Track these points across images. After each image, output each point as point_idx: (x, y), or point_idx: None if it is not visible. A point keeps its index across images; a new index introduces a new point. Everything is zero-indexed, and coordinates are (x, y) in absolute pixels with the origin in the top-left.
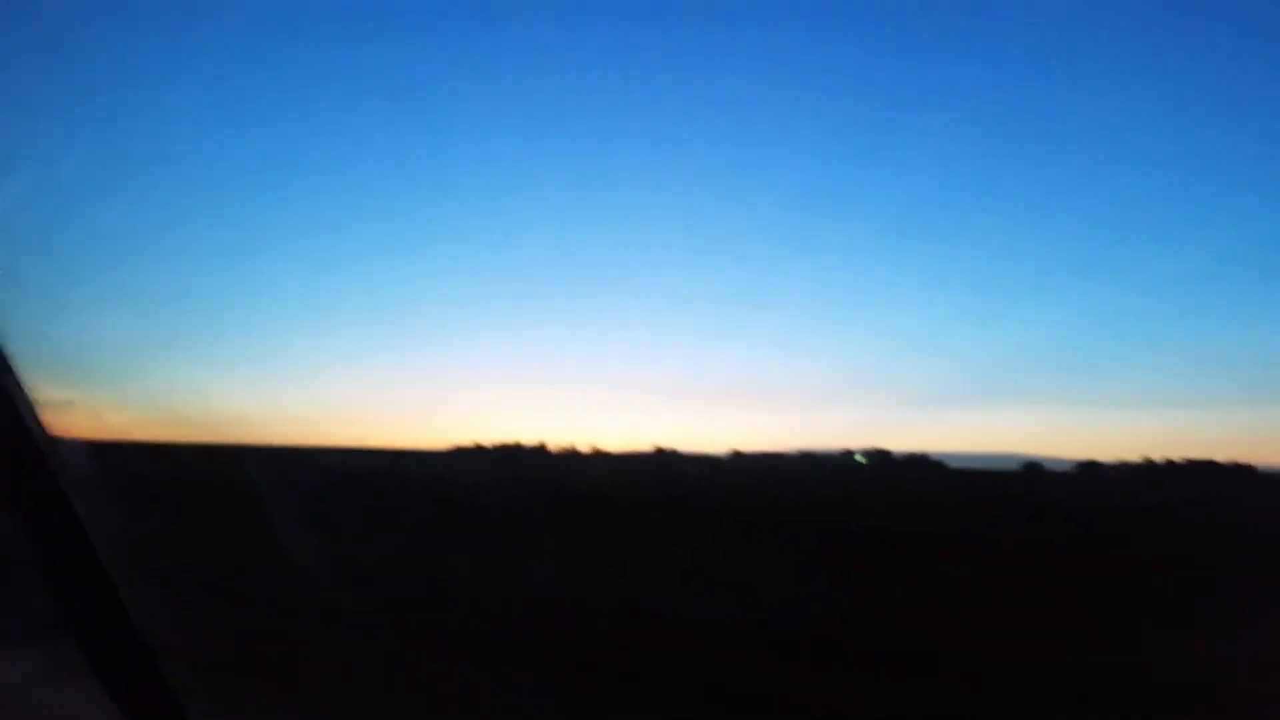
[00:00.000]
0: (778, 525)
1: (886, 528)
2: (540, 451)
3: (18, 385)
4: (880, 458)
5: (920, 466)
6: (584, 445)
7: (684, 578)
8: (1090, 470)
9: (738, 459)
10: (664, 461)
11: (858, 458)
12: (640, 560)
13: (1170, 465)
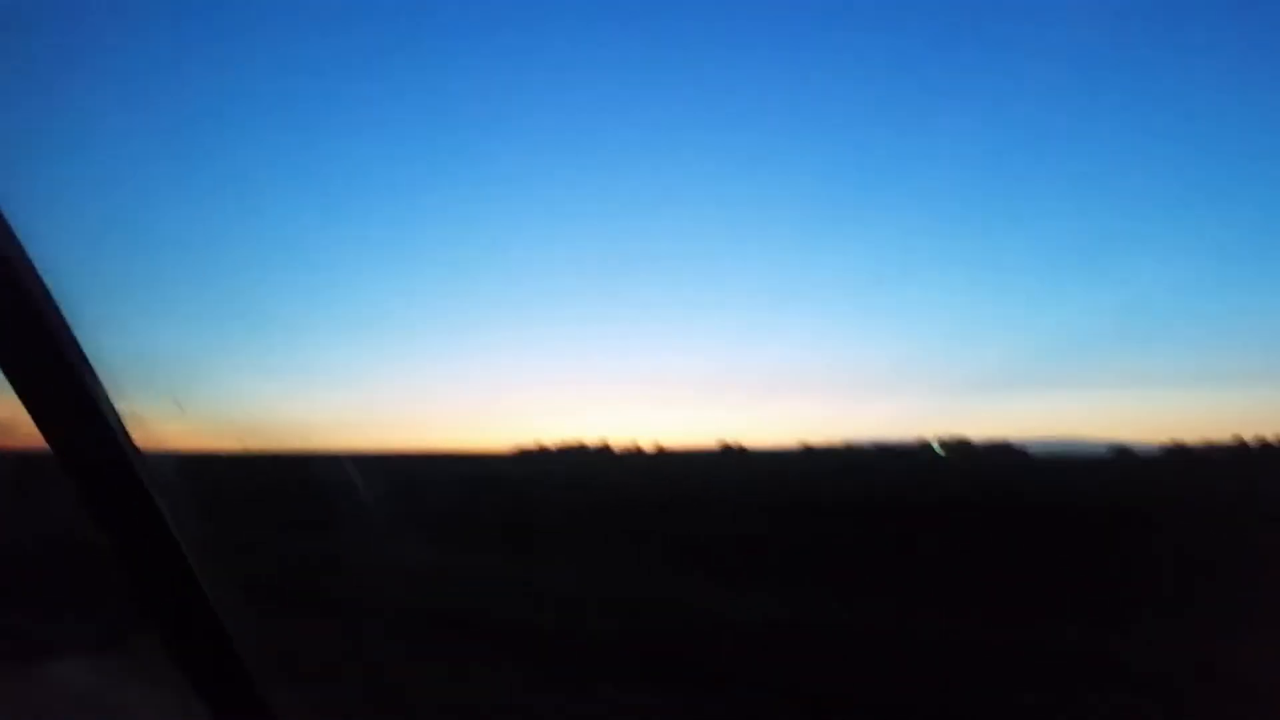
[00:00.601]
0: (887, 526)
1: (1014, 526)
2: (604, 452)
3: (106, 397)
4: (960, 448)
5: (1003, 454)
6: (647, 444)
7: (800, 589)
8: (1179, 454)
9: (809, 454)
10: (732, 458)
11: (936, 448)
12: (746, 569)
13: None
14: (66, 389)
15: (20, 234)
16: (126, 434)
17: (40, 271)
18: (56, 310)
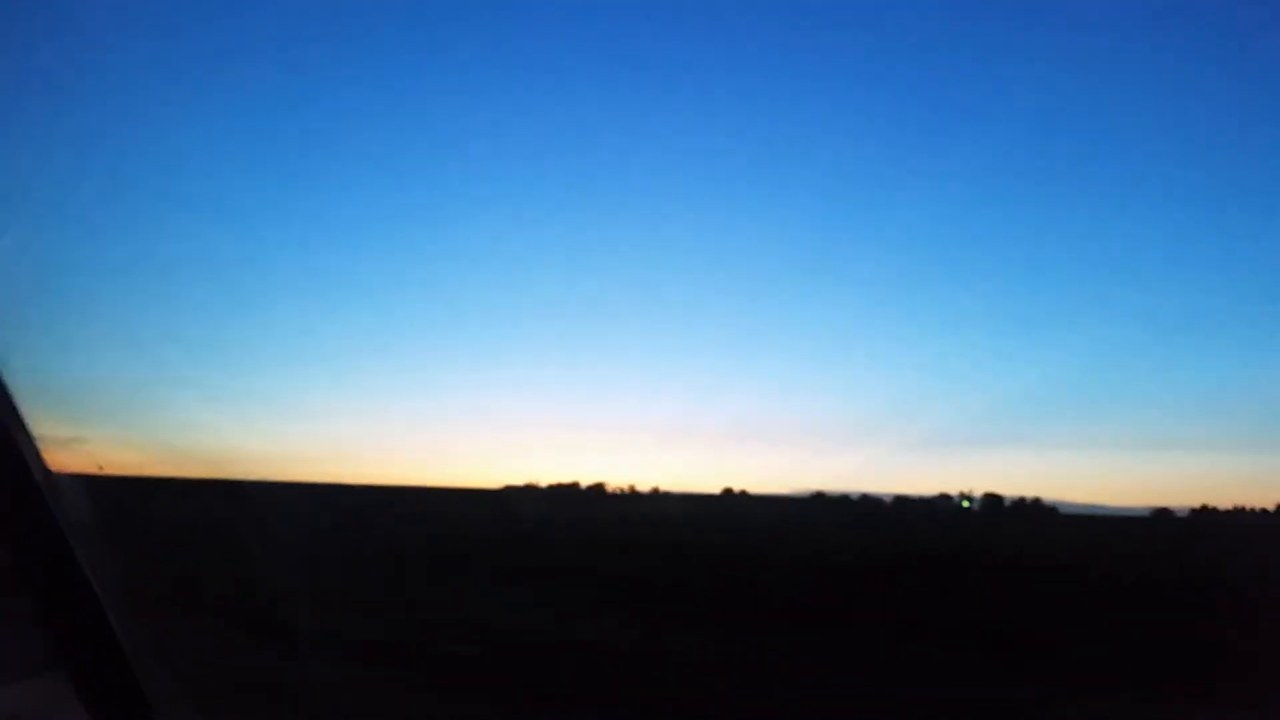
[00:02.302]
0: (918, 580)
1: (1056, 586)
2: (598, 491)
3: (19, 422)
4: (991, 502)
5: (1034, 512)
6: (643, 485)
7: (816, 653)
8: (1205, 516)
9: (820, 501)
10: (737, 503)
11: (964, 502)
12: (751, 620)
13: None
14: None
15: None
16: (39, 458)
17: None
18: None
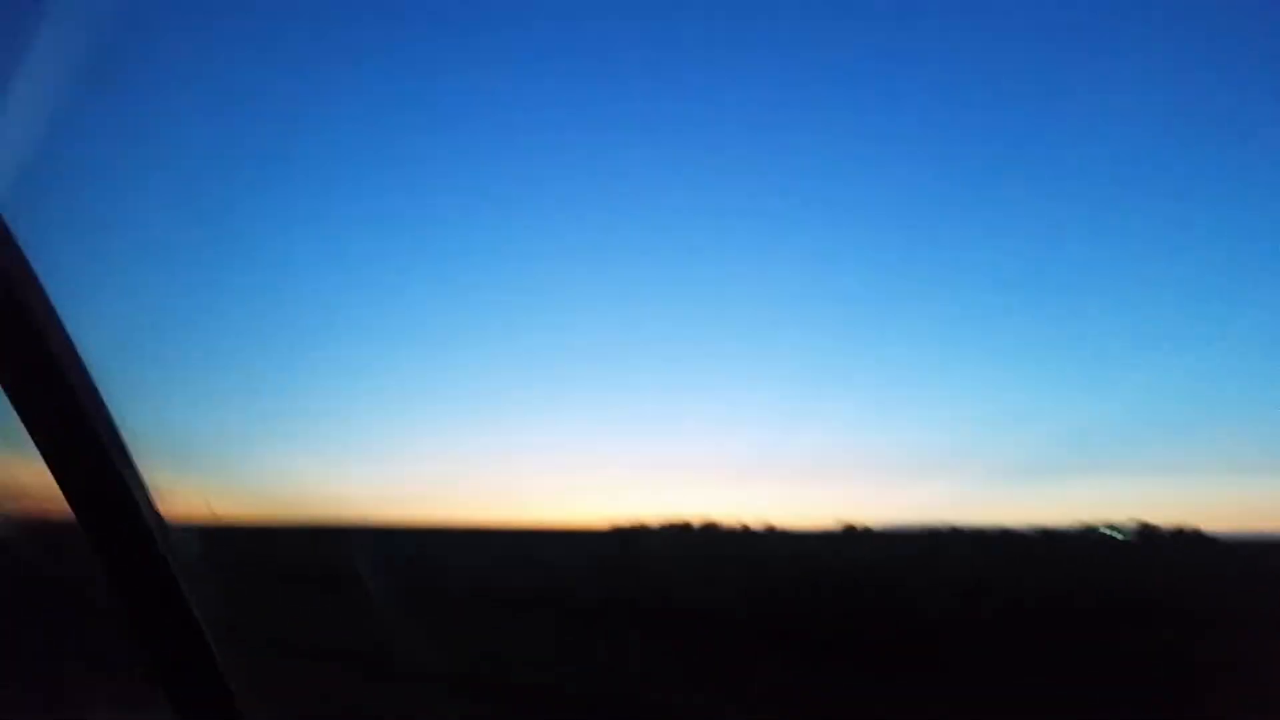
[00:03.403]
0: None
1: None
2: (712, 530)
3: (132, 469)
4: (1145, 533)
5: (1194, 545)
6: (754, 522)
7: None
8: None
9: (955, 536)
10: (859, 540)
11: (1114, 534)
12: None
13: None
14: (94, 460)
15: (52, 298)
16: (152, 505)
17: (75, 346)
18: (89, 383)
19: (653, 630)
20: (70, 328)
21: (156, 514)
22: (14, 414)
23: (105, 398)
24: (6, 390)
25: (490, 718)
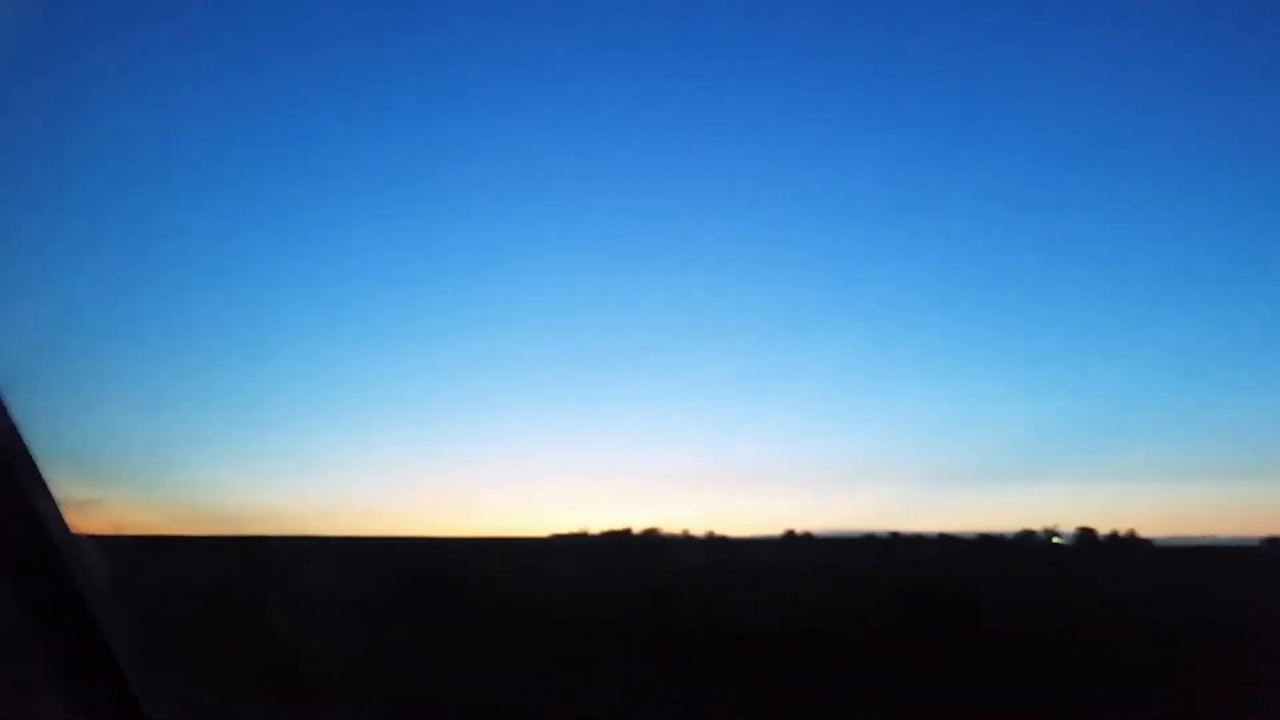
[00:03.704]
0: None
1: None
2: (653, 537)
3: (38, 485)
4: (1086, 538)
5: (1134, 547)
6: (697, 529)
7: None
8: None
9: (897, 542)
10: (801, 545)
11: (1055, 539)
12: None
13: None
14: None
15: None
16: (60, 520)
17: None
18: None
19: (578, 640)
20: None
21: (64, 528)
22: None
23: (11, 411)
24: None
25: None
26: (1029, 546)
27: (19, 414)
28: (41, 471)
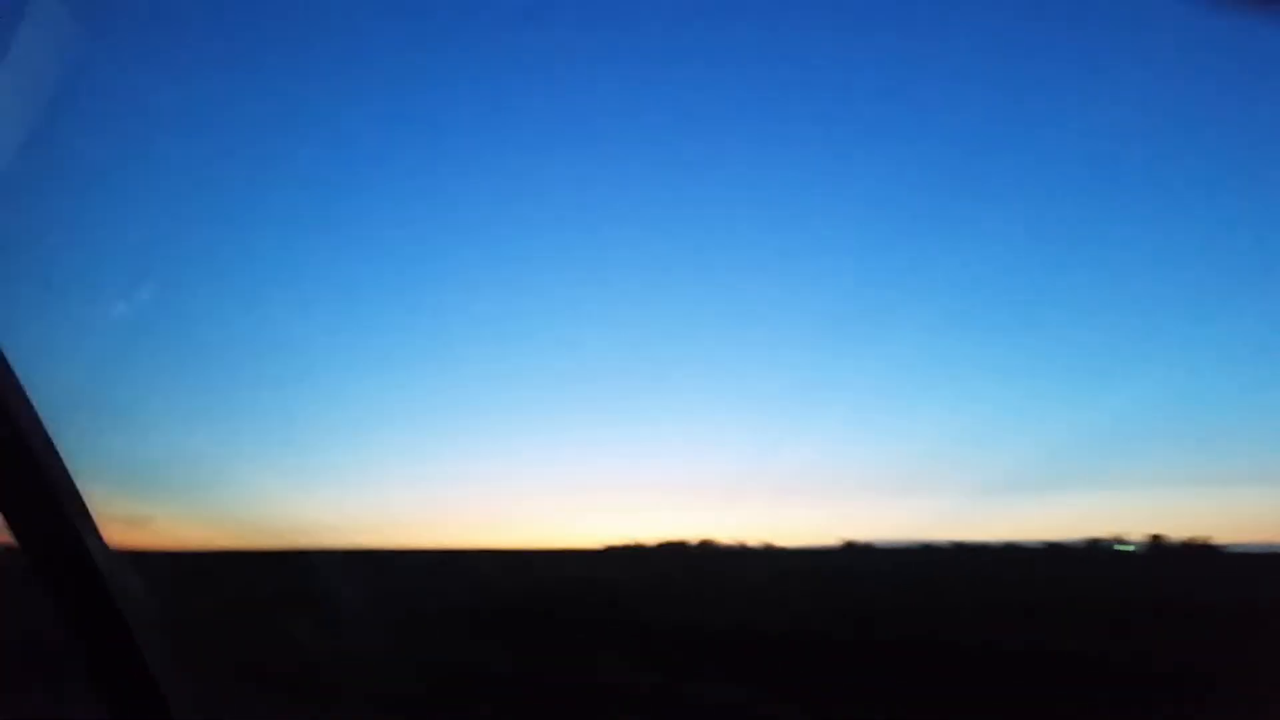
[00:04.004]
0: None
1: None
2: (709, 548)
3: (77, 501)
4: (1156, 547)
5: (1209, 555)
6: (752, 540)
7: None
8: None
9: (961, 551)
10: (859, 555)
11: (1124, 547)
12: None
13: None
14: (38, 487)
15: None
16: (95, 532)
17: (15, 372)
18: (30, 409)
19: (645, 649)
20: (10, 354)
21: (101, 542)
22: None
23: (47, 423)
24: None
25: None
26: (1097, 555)
27: (54, 423)
28: (80, 488)
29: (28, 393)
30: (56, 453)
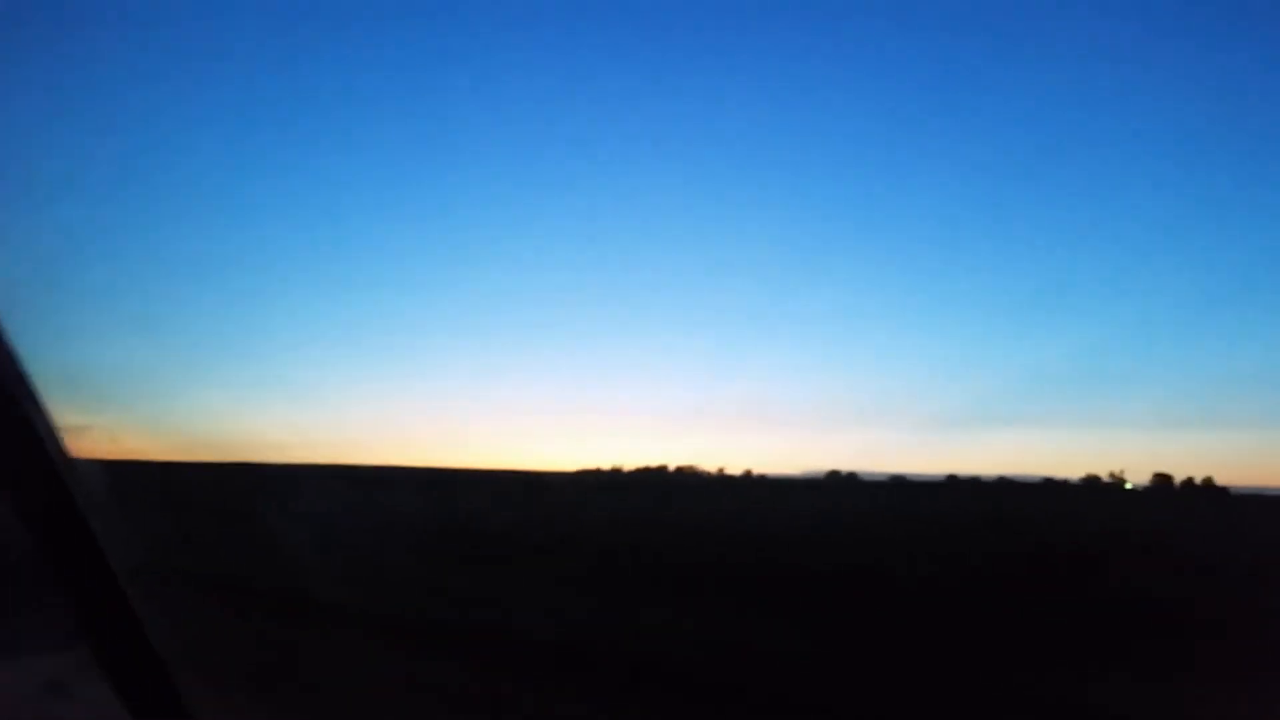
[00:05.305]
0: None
1: None
2: (689, 474)
3: (38, 409)
4: (1160, 485)
5: (1212, 495)
6: (734, 469)
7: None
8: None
9: (954, 484)
10: (845, 486)
11: (1126, 485)
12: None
13: None
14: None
15: None
16: (59, 443)
17: None
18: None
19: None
20: None
21: (64, 451)
22: None
23: (9, 333)
24: None
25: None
26: (1097, 491)
27: (16, 337)
28: (39, 393)
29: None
30: (18, 363)
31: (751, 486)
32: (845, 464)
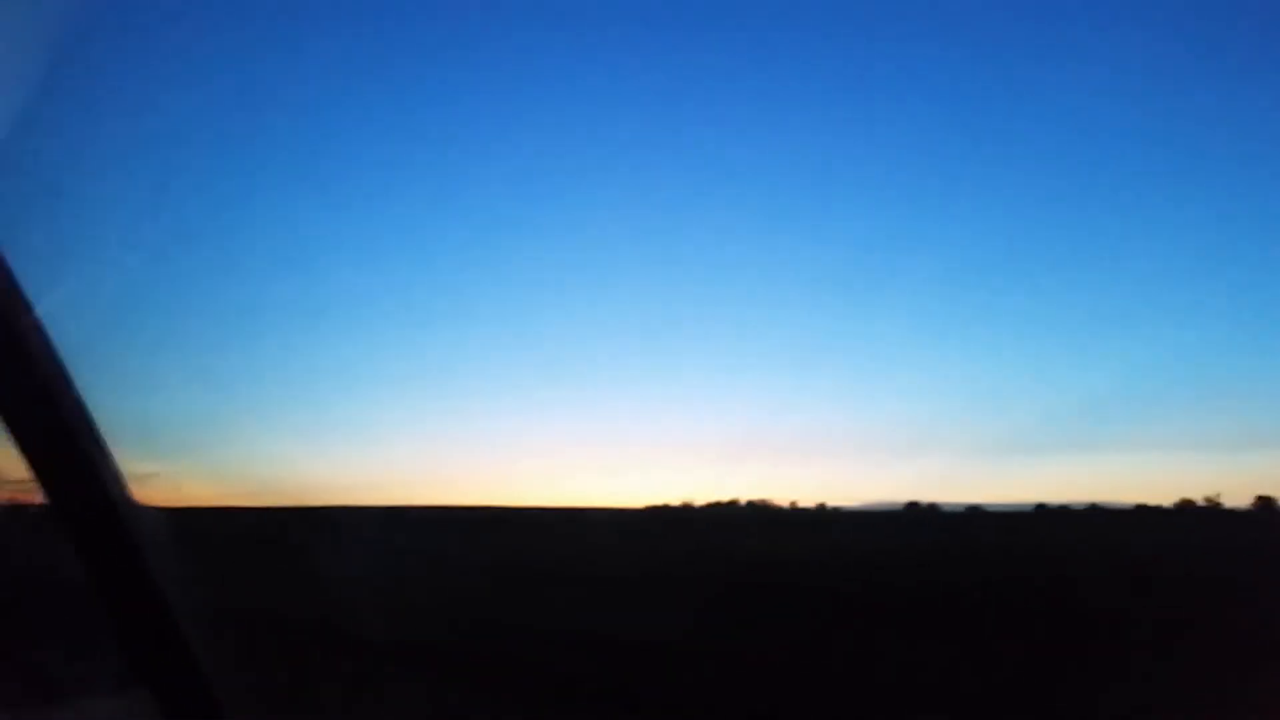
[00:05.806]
0: None
1: None
2: (764, 510)
3: (103, 455)
4: (1263, 508)
5: (1199, 519)
6: (807, 502)
7: None
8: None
9: (1042, 514)
10: (926, 518)
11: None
12: None
13: None
14: (66, 445)
15: (25, 289)
16: (124, 490)
17: (46, 329)
18: (61, 369)
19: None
20: (42, 314)
21: (128, 498)
22: None
23: (77, 384)
24: None
25: (471, 691)
26: (1194, 517)
27: (85, 384)
28: (105, 440)
29: (59, 353)
30: (85, 409)
31: (835, 520)
32: (907, 494)
